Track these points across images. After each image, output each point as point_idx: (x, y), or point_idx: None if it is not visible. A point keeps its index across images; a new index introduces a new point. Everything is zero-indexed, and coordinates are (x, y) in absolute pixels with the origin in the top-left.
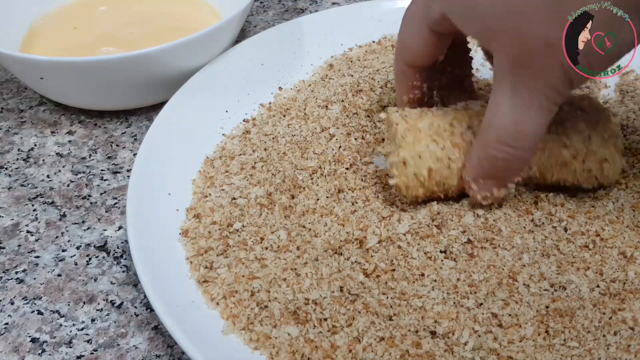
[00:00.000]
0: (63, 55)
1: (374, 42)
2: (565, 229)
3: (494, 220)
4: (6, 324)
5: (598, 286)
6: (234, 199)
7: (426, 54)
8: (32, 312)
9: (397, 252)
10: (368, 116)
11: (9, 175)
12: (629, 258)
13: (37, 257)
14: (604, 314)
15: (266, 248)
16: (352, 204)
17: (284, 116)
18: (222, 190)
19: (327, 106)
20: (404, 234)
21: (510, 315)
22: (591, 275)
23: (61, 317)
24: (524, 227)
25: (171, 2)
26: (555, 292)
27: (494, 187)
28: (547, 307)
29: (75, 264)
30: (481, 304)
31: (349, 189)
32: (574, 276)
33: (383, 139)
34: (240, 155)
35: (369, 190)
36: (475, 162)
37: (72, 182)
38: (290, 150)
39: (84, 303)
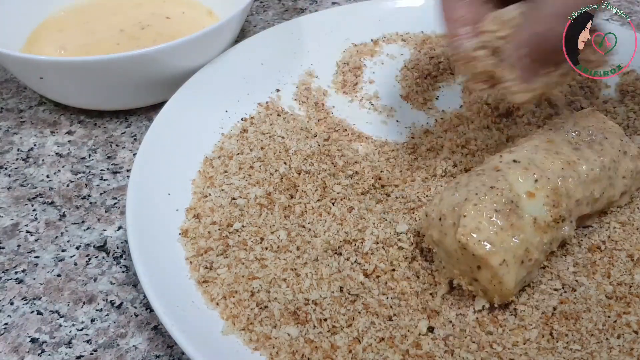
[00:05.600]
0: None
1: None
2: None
3: None
4: (6, 324)
5: (605, 289)
6: (234, 199)
7: None
8: (32, 312)
9: (397, 253)
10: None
11: (9, 175)
12: (635, 261)
13: (37, 257)
14: (609, 317)
15: (266, 248)
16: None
17: (280, 115)
18: (222, 190)
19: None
20: (404, 233)
21: (514, 316)
22: (599, 278)
23: (61, 317)
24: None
25: (171, 2)
26: (564, 293)
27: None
28: (554, 308)
29: (75, 264)
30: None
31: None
32: (584, 278)
33: None
34: (238, 154)
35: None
36: (525, 37)
37: (71, 182)
38: (285, 149)
39: (84, 303)
